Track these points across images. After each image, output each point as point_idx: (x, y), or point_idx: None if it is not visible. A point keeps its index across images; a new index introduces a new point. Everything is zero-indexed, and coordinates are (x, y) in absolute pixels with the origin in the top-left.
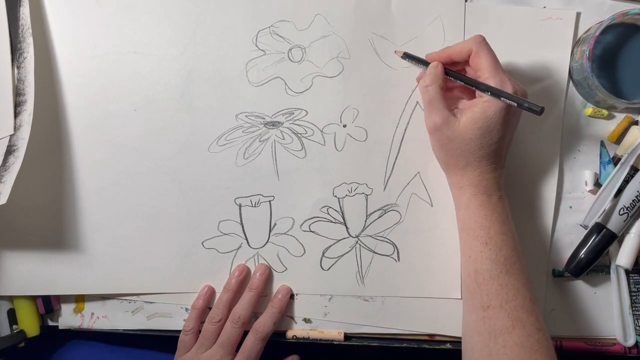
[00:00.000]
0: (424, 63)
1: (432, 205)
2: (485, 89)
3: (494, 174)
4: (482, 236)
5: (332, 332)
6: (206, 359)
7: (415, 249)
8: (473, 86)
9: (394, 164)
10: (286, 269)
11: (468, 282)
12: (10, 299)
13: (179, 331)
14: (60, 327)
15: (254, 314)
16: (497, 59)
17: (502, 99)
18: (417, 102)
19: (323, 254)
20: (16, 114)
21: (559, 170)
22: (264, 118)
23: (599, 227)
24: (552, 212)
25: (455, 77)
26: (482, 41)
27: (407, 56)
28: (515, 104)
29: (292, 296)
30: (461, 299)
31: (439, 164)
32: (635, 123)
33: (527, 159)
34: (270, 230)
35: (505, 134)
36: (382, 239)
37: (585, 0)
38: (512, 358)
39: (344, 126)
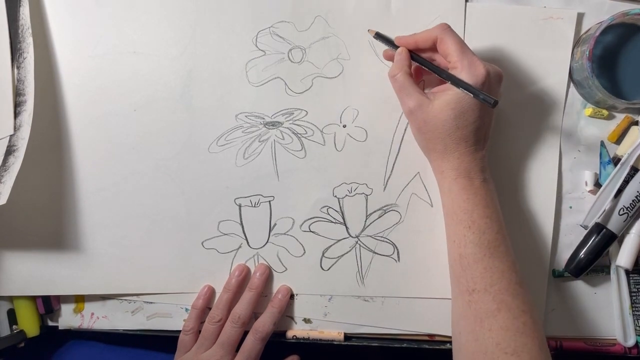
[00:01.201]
0: (393, 45)
1: (432, 205)
2: (446, 77)
3: (474, 155)
4: (465, 220)
5: (332, 332)
6: (206, 358)
7: (415, 249)
8: (435, 73)
9: (394, 164)
10: (286, 269)
11: (454, 266)
12: (10, 299)
13: (179, 331)
14: (60, 327)
15: (254, 314)
16: (463, 42)
17: (460, 89)
18: None
19: (323, 254)
20: (16, 114)
21: (559, 170)
22: (263, 118)
23: (599, 227)
24: (552, 212)
25: (420, 63)
26: (446, 28)
27: (378, 36)
28: (471, 95)
29: (292, 296)
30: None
31: (421, 150)
32: (635, 123)
33: (527, 159)
34: (270, 231)
35: (483, 115)
36: (382, 239)
37: (585, 0)
38: (498, 342)
39: (344, 126)
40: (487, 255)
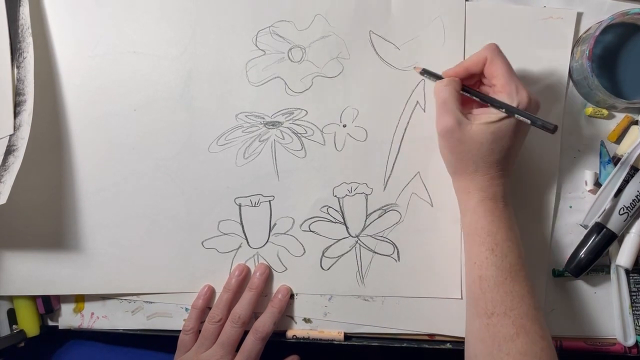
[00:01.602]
0: (440, 79)
1: (432, 205)
2: (500, 106)
3: (502, 180)
4: (488, 242)
5: (332, 332)
6: (206, 358)
7: (415, 249)
8: (488, 102)
9: (394, 164)
10: (286, 268)
11: (473, 288)
12: (10, 299)
13: (179, 331)
14: (60, 327)
15: (254, 314)
16: (511, 66)
17: (515, 116)
18: (417, 102)
19: (323, 253)
20: (16, 114)
21: (559, 170)
22: (263, 118)
23: (599, 227)
24: (552, 212)
25: (471, 94)
26: (496, 49)
27: (425, 72)
28: (529, 122)
29: (292, 296)
30: (461, 298)
31: (446, 167)
32: (635, 123)
33: (527, 159)
34: (270, 230)
35: (516, 142)
36: (382, 238)
37: (585, 0)
38: None
39: (344, 126)
40: (509, 280)
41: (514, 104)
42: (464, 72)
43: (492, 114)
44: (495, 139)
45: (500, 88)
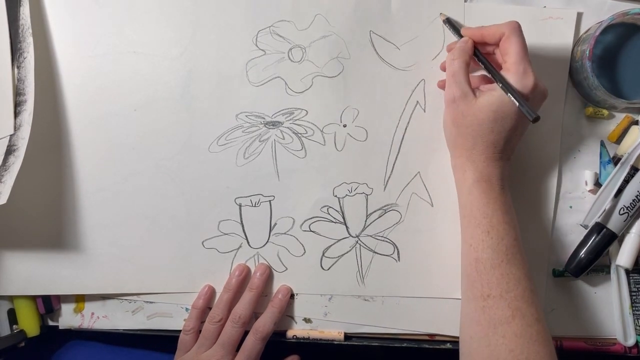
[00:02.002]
0: (458, 34)
1: (432, 205)
2: (499, 79)
3: (499, 163)
4: (484, 224)
5: (332, 332)
6: (206, 358)
7: (415, 249)
8: (489, 72)
9: (394, 164)
10: (286, 268)
11: (469, 270)
12: (10, 299)
13: (179, 331)
14: (60, 327)
15: (254, 314)
16: (526, 48)
17: (508, 94)
18: (417, 102)
19: (323, 253)
20: (16, 114)
21: (559, 170)
22: (264, 118)
23: (599, 227)
24: (552, 212)
25: (478, 59)
26: (517, 27)
27: (447, 22)
28: (516, 103)
29: (292, 296)
30: (461, 298)
31: (446, 142)
32: (635, 123)
33: (527, 159)
34: (270, 230)
35: (518, 126)
36: (382, 238)
37: (586, 0)
38: (510, 348)
39: (344, 126)
40: (505, 262)
41: (518, 86)
42: (479, 37)
43: (496, 91)
44: (496, 117)
45: (509, 66)
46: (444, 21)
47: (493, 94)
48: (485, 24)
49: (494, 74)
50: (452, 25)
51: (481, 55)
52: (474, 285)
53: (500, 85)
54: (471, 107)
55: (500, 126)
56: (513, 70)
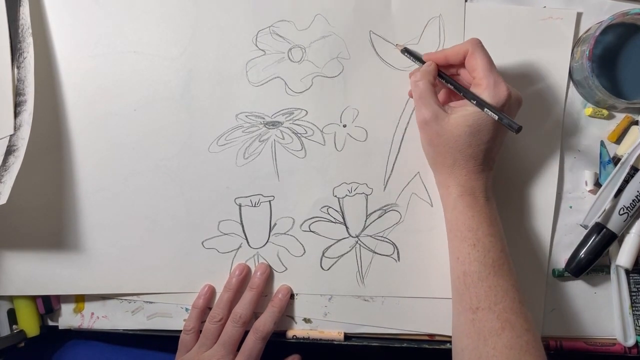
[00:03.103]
0: (420, 61)
1: (432, 205)
2: (472, 97)
3: (481, 174)
4: (469, 238)
5: (332, 332)
6: (207, 358)
7: (415, 249)
8: (461, 92)
9: (394, 164)
10: (286, 268)
11: (457, 284)
12: (10, 299)
13: (179, 331)
14: (60, 327)
15: (254, 314)
16: (492, 61)
17: (484, 110)
18: None
19: (323, 253)
20: (16, 114)
21: (559, 170)
22: (264, 118)
23: (599, 227)
24: (552, 212)
25: (446, 81)
26: (478, 43)
27: (406, 51)
28: (496, 118)
29: (292, 296)
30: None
31: (427, 160)
32: (635, 123)
33: (527, 159)
34: (270, 230)
35: (496, 136)
36: (382, 239)
37: (585, 0)
38: None
39: (344, 126)
40: (492, 274)
41: (491, 99)
42: (443, 59)
43: (469, 106)
44: (472, 132)
45: (478, 81)
46: (401, 51)
47: (466, 109)
48: (485, 24)
49: (465, 92)
50: (412, 53)
51: (447, 76)
52: (462, 298)
53: (474, 102)
54: (445, 126)
55: (478, 139)
56: (484, 85)
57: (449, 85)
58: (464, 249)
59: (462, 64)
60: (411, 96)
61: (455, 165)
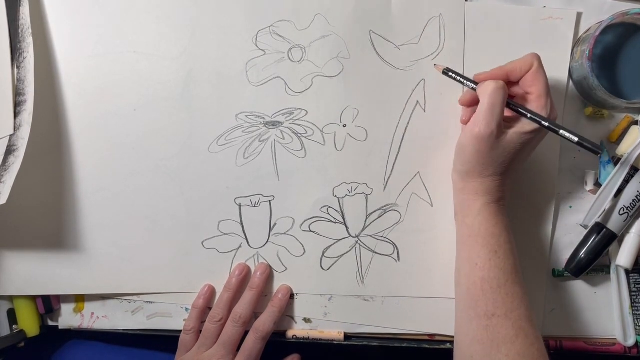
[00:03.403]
0: (469, 80)
1: (432, 205)
2: (549, 123)
3: (506, 182)
4: (492, 244)
5: (332, 332)
6: (207, 358)
7: (415, 249)
8: (530, 115)
9: (394, 164)
10: (286, 268)
11: (473, 290)
12: (10, 299)
13: (179, 331)
14: (60, 327)
15: (254, 314)
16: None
17: (560, 132)
18: (417, 102)
19: (323, 253)
20: (16, 114)
21: (559, 170)
22: (264, 118)
23: (599, 227)
24: (552, 212)
25: (515, 111)
26: (540, 58)
27: (449, 72)
28: (575, 140)
29: (292, 296)
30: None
31: (458, 167)
32: (635, 123)
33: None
34: (270, 230)
35: (531, 152)
36: (382, 238)
37: (586, 0)
38: None
39: (344, 126)
40: (510, 281)
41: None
42: (503, 77)
43: (527, 124)
44: (523, 148)
45: (535, 98)
46: (443, 72)
47: (524, 127)
48: (485, 24)
49: (537, 116)
50: (458, 75)
51: (516, 104)
52: (477, 304)
53: (547, 125)
54: (501, 141)
55: (523, 155)
56: (542, 103)
57: (519, 111)
58: (485, 255)
59: (518, 81)
60: (465, 122)
61: (492, 176)
